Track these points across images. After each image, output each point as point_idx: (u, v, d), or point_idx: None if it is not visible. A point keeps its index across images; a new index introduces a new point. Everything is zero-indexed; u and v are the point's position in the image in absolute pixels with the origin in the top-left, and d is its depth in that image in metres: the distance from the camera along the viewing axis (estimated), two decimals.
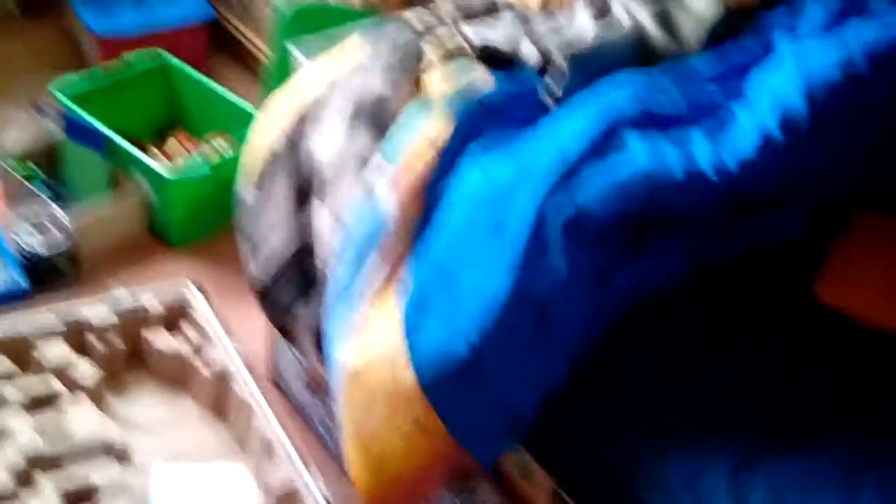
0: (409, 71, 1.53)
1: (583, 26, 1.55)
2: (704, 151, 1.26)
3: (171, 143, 2.50)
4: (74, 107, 2.34)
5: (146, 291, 1.99)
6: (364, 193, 1.41)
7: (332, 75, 1.59)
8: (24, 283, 2.14)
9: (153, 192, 2.28)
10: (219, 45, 2.91)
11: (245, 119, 2.36)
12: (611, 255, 1.24)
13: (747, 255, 1.32)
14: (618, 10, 1.59)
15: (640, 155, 1.25)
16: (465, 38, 1.56)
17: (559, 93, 1.46)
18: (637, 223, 1.23)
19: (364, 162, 1.45)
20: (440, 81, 1.48)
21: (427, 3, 1.77)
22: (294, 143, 1.58)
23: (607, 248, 1.23)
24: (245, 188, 1.63)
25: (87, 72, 2.56)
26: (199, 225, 2.34)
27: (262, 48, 2.79)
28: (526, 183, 1.25)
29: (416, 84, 1.52)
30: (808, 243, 1.37)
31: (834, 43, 1.29)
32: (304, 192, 1.55)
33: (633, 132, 1.28)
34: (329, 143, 1.51)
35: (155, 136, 2.55)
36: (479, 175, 1.31)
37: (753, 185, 1.27)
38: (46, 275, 2.18)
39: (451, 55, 1.53)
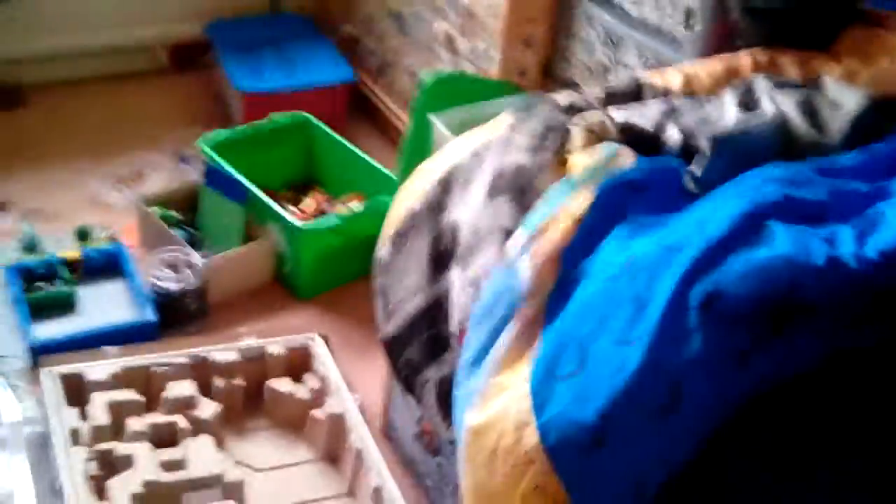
0: (554, 148, 1.56)
1: (728, 114, 1.57)
2: (848, 242, 1.26)
3: (308, 201, 2.58)
4: (217, 157, 2.44)
5: (273, 341, 2.05)
6: (503, 262, 1.43)
7: (477, 145, 1.63)
8: (155, 319, 2.21)
9: (285, 242, 2.35)
10: (357, 108, 3.00)
11: (381, 182, 2.46)
12: (748, 339, 1.23)
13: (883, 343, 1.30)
14: (763, 99, 1.61)
15: (783, 242, 1.26)
16: (612, 120, 1.59)
17: (699, 173, 1.47)
18: (776, 308, 1.23)
19: (504, 232, 1.48)
20: (584, 158, 1.51)
21: (573, 85, 1.82)
22: (434, 206, 1.62)
23: (745, 330, 1.23)
24: (383, 245, 1.68)
25: (232, 127, 2.67)
26: (327, 277, 2.40)
27: (398, 114, 2.87)
28: (669, 263, 1.26)
29: (563, 164, 1.55)
30: None
31: None
32: (441, 255, 1.58)
33: (779, 224, 1.28)
34: (469, 211, 1.55)
35: (292, 192, 2.64)
36: (621, 251, 1.33)
37: (894, 277, 1.26)
38: (177, 314, 2.26)
39: (597, 137, 1.57)
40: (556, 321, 1.34)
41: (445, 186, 1.63)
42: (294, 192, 2.66)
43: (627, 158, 1.51)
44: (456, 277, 1.53)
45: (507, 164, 1.57)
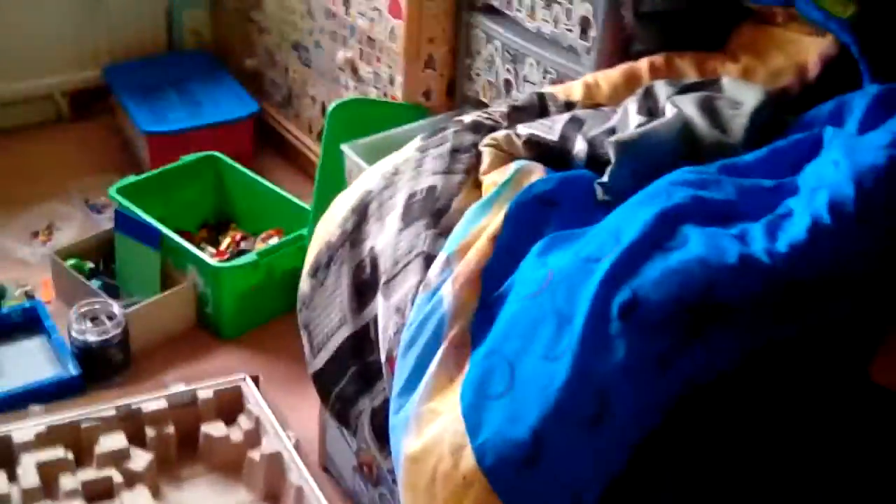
0: (465, 169, 1.58)
1: (632, 122, 1.60)
2: (759, 239, 1.30)
3: (225, 240, 2.55)
4: (128, 203, 2.41)
5: (203, 387, 2.03)
6: (425, 287, 1.44)
7: (387, 171, 1.64)
8: (77, 373, 2.17)
9: (204, 283, 2.33)
10: (264, 140, 2.99)
11: (297, 215, 2.45)
12: (668, 342, 1.25)
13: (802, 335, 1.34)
14: (665, 104, 1.65)
15: (696, 244, 1.29)
16: (517, 136, 1.61)
17: (606, 179, 1.50)
18: (694, 310, 1.26)
19: (424, 257, 1.49)
20: (492, 177, 1.53)
21: (479, 104, 1.83)
22: (351, 236, 1.62)
23: (665, 334, 1.25)
24: (304, 280, 1.68)
25: (140, 171, 2.64)
26: (250, 316, 2.39)
27: (307, 144, 2.87)
28: (588, 274, 1.28)
29: (478, 186, 1.57)
30: (865, 324, 1.38)
31: (881, 130, 1.33)
32: (363, 285, 1.59)
33: (692, 227, 1.31)
34: (387, 238, 1.56)
35: (207, 233, 2.61)
36: (540, 267, 1.35)
37: (806, 269, 1.29)
38: (99, 366, 2.22)
39: (505, 154, 1.59)
40: (483, 342, 1.35)
41: (361, 215, 1.63)
42: (210, 231, 2.63)
43: (536, 173, 1.54)
44: (380, 306, 1.54)
45: (419, 188, 1.59)
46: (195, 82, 3.01)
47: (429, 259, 1.49)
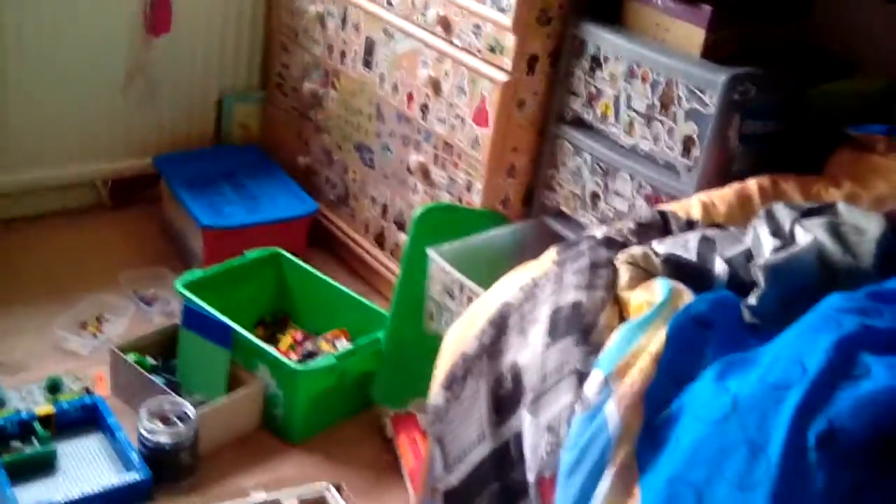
0: (605, 285, 1.57)
1: (766, 244, 1.61)
2: None
3: (285, 339, 2.50)
4: (197, 299, 2.35)
5: (286, 495, 1.97)
6: (583, 407, 1.41)
7: (526, 284, 1.62)
8: (147, 476, 2.09)
9: (277, 385, 2.27)
10: (313, 237, 2.95)
11: (364, 317, 2.41)
12: (863, 475, 1.24)
13: None
14: (794, 227, 1.66)
15: (882, 373, 1.28)
16: (655, 254, 1.61)
17: (755, 303, 1.50)
18: (887, 441, 1.24)
19: (576, 374, 1.46)
20: (642, 295, 1.52)
21: (560, 214, 1.80)
22: (489, 348, 1.59)
23: (860, 466, 1.24)
24: (435, 391, 1.64)
25: (191, 264, 2.59)
26: (319, 419, 2.32)
27: (361, 243, 2.84)
28: (778, 402, 1.26)
29: (615, 301, 1.55)
30: None
31: None
32: (503, 400, 1.55)
33: (871, 356, 1.31)
34: (531, 353, 1.53)
35: (264, 330, 2.56)
36: (720, 392, 1.33)
37: None
38: (168, 469, 2.13)
39: (643, 271, 1.58)
40: (660, 467, 1.32)
41: (499, 328, 1.61)
42: (266, 329, 2.58)
43: (687, 294, 1.53)
44: (527, 423, 1.50)
45: (563, 302, 1.57)
46: (247, 176, 2.99)
47: (581, 377, 1.46)
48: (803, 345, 1.36)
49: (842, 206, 1.78)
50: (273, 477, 2.16)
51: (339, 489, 2.02)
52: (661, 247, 1.65)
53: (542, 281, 1.63)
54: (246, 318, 2.53)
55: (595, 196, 2.25)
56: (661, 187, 2.10)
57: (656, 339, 1.44)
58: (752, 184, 1.93)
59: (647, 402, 1.39)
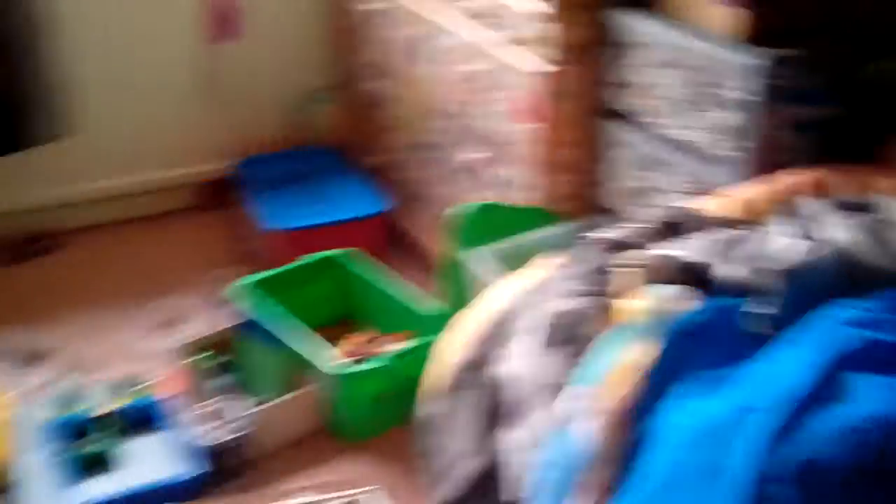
0: (600, 292, 1.52)
1: (784, 244, 1.52)
2: None
3: (348, 341, 2.52)
4: (257, 303, 2.40)
5: (336, 497, 1.99)
6: (558, 423, 1.37)
7: (526, 289, 1.59)
8: (204, 472, 2.15)
9: (331, 387, 2.30)
10: (391, 238, 2.97)
11: (426, 318, 2.39)
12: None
13: None
14: (820, 226, 1.56)
15: (869, 398, 1.20)
16: (659, 258, 1.55)
17: (774, 311, 1.41)
18: (869, 473, 1.16)
19: (556, 385, 1.42)
20: (637, 302, 1.46)
21: (607, 211, 1.74)
22: (481, 360, 1.57)
23: (842, 497, 1.16)
24: (427, 404, 1.62)
25: (260, 267, 2.64)
26: (377, 421, 2.33)
27: (430, 242, 2.83)
28: (744, 426, 1.20)
29: (609, 307, 1.50)
30: None
31: None
32: (493, 413, 1.52)
33: (860, 375, 1.22)
34: (522, 365, 1.49)
35: (328, 332, 2.58)
36: (688, 413, 1.27)
37: None
38: (225, 467, 2.19)
39: (644, 278, 1.52)
40: (627, 493, 1.27)
41: (495, 336, 1.58)
42: (330, 331, 2.60)
43: (687, 301, 1.46)
44: (509, 438, 1.46)
45: (554, 312, 1.52)
46: (325, 177, 3.04)
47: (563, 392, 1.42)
48: (784, 361, 1.28)
49: (885, 201, 1.67)
50: (323, 477, 2.19)
51: (387, 493, 2.02)
52: (664, 250, 1.58)
53: (542, 286, 1.59)
54: (309, 320, 2.56)
55: (641, 191, 2.18)
56: (708, 181, 2.01)
57: (648, 350, 1.38)
58: (797, 175, 1.82)
59: (626, 420, 1.34)
